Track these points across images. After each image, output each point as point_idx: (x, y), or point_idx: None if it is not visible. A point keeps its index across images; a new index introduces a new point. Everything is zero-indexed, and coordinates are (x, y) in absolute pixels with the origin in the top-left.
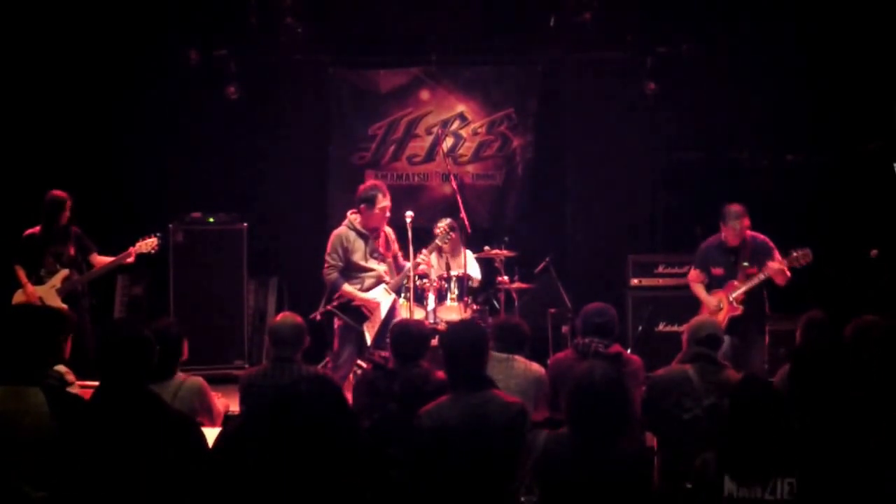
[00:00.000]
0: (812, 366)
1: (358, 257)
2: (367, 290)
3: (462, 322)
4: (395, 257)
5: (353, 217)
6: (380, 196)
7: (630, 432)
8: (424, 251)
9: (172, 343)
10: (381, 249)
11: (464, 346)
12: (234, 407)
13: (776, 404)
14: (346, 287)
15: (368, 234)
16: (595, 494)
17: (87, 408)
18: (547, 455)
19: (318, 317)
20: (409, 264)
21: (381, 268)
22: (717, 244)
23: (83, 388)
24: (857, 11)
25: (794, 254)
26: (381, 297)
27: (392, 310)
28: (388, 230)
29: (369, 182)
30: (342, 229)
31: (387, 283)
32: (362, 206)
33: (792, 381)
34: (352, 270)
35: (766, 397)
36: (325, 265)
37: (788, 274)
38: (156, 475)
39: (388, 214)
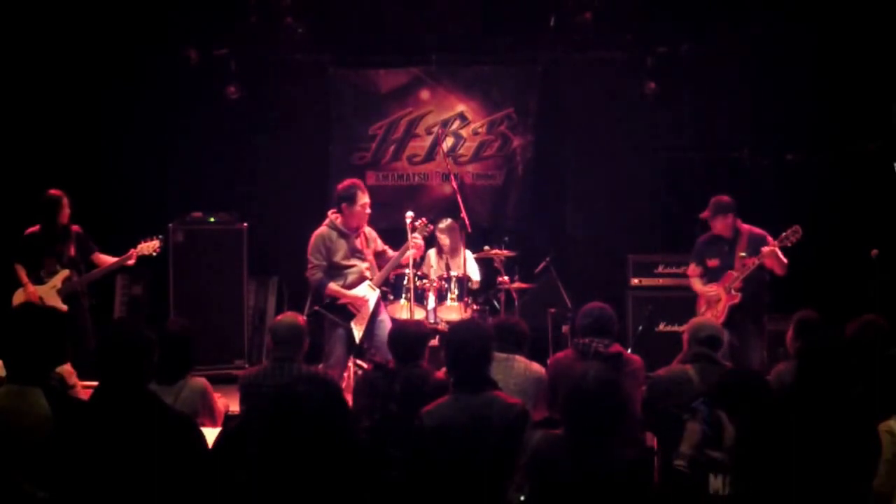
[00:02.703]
0: (819, 365)
1: (340, 256)
2: (351, 286)
3: (466, 322)
4: (378, 253)
5: (333, 217)
6: (359, 193)
7: (630, 433)
8: (413, 237)
9: (183, 347)
10: (362, 247)
11: (468, 346)
12: (234, 407)
13: (764, 397)
14: (332, 286)
15: (349, 234)
16: (589, 497)
17: (86, 409)
18: (540, 455)
19: (306, 317)
20: (402, 253)
21: (362, 265)
22: (711, 236)
23: (86, 388)
24: (857, 11)
25: (783, 234)
26: (367, 294)
27: (377, 306)
28: (368, 229)
29: (347, 181)
30: (323, 229)
31: (370, 280)
32: (343, 204)
33: (799, 380)
34: (334, 269)
35: (753, 389)
36: (309, 266)
37: (784, 259)
38: (156, 475)
39: (368, 211)
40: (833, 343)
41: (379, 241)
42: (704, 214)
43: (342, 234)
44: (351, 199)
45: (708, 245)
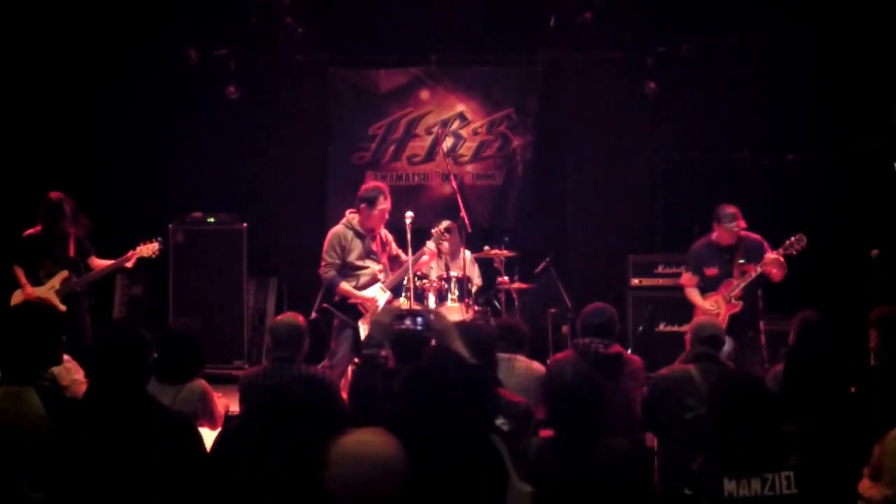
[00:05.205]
0: (808, 365)
1: (354, 257)
2: (362, 287)
3: (468, 323)
4: (392, 257)
5: (351, 216)
6: (381, 198)
7: (629, 433)
8: (429, 244)
9: (192, 349)
10: (377, 250)
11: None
12: (234, 407)
13: (761, 397)
14: (344, 285)
15: (365, 234)
16: (586, 494)
17: (80, 408)
18: (539, 460)
19: (314, 314)
20: (409, 259)
21: (376, 266)
22: (709, 244)
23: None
24: (857, 11)
25: (788, 241)
26: (378, 295)
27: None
28: (385, 231)
29: (371, 183)
30: (340, 228)
31: (381, 282)
32: (362, 205)
33: (787, 381)
34: (347, 269)
35: (750, 390)
36: (322, 263)
37: (785, 266)
38: (153, 476)
39: (387, 216)
40: (822, 344)
41: (394, 245)
42: (741, 224)
43: (358, 235)
44: (371, 201)
45: (706, 253)
